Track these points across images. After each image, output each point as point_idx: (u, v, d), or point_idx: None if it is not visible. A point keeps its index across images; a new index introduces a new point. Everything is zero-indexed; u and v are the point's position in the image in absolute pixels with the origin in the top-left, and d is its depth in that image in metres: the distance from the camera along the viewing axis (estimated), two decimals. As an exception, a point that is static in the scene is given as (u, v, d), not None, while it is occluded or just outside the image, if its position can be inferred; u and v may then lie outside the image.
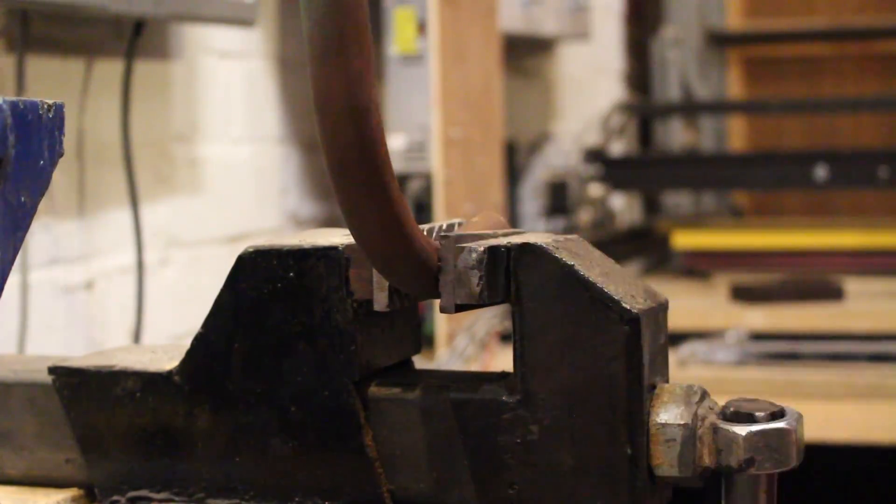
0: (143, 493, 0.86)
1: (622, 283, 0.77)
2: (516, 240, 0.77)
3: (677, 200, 3.51)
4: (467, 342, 2.15)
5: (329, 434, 0.81)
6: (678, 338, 2.24)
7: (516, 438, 0.77)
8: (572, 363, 0.76)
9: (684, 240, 2.87)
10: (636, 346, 0.74)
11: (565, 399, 0.76)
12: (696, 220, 3.29)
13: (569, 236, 0.80)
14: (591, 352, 0.75)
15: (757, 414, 0.74)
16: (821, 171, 2.71)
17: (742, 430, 0.74)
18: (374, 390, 0.81)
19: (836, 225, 2.98)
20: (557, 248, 0.76)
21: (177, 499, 0.85)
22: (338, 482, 0.81)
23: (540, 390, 0.77)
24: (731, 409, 0.75)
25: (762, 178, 2.86)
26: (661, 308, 0.79)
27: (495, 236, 0.79)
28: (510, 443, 0.78)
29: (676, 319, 2.58)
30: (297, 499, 0.82)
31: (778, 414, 0.75)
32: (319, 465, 0.81)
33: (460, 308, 0.75)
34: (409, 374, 0.85)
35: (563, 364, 0.76)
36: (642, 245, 3.08)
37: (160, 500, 0.85)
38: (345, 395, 0.80)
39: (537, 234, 0.81)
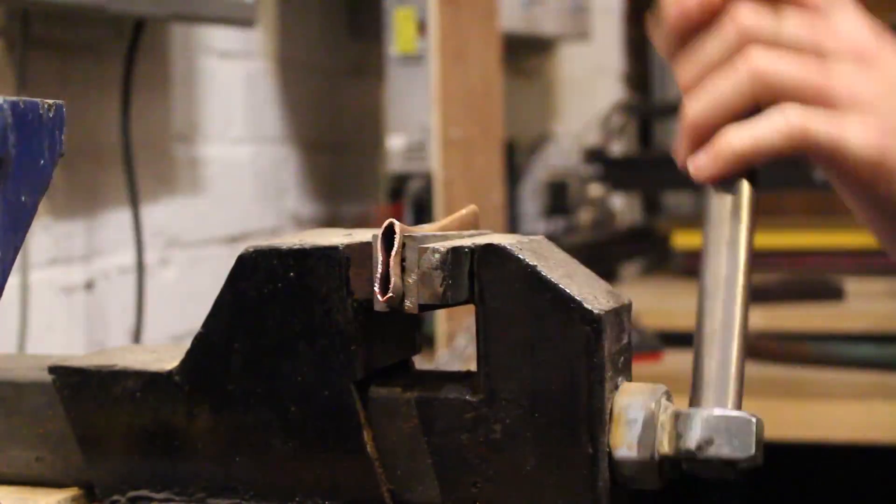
0: (144, 492, 0.86)
1: (585, 284, 0.78)
2: (480, 240, 0.78)
3: (677, 200, 3.51)
4: (467, 342, 2.15)
5: (329, 434, 0.81)
6: (678, 338, 2.24)
7: (479, 437, 0.78)
8: (535, 363, 0.76)
9: (684, 240, 2.87)
10: (598, 346, 0.75)
11: (527, 399, 0.77)
12: (696, 220, 3.29)
13: (533, 237, 0.80)
14: (554, 352, 0.76)
15: (717, 406, 0.75)
16: (821, 171, 2.70)
17: (701, 412, 0.75)
18: (374, 390, 0.81)
19: (836, 225, 2.98)
20: (521, 249, 0.77)
21: (177, 498, 0.85)
22: (338, 482, 0.81)
23: (503, 390, 0.77)
24: (692, 403, 0.76)
25: (761, 178, 2.86)
26: (625, 309, 0.79)
27: (460, 237, 0.79)
28: (473, 442, 0.78)
29: (676, 319, 2.58)
30: (297, 499, 0.82)
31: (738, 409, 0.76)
32: (319, 465, 0.81)
33: (424, 308, 0.76)
34: (409, 375, 0.85)
35: (525, 364, 0.76)
36: (642, 245, 3.08)
37: (160, 500, 0.85)
38: (345, 395, 0.80)
39: (502, 235, 0.81)
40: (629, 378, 0.79)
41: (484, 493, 0.78)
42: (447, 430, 0.79)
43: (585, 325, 0.75)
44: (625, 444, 0.76)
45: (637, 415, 0.76)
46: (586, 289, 0.77)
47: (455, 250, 0.76)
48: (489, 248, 0.77)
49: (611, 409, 0.76)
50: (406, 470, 0.80)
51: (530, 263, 0.76)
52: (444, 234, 0.80)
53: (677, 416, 0.76)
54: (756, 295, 2.41)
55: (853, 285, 2.50)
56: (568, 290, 0.76)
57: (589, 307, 0.75)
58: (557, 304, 0.76)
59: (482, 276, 0.77)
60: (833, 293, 2.44)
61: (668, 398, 0.78)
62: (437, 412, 0.79)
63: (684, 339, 2.27)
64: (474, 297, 0.78)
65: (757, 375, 2.08)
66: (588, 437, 0.76)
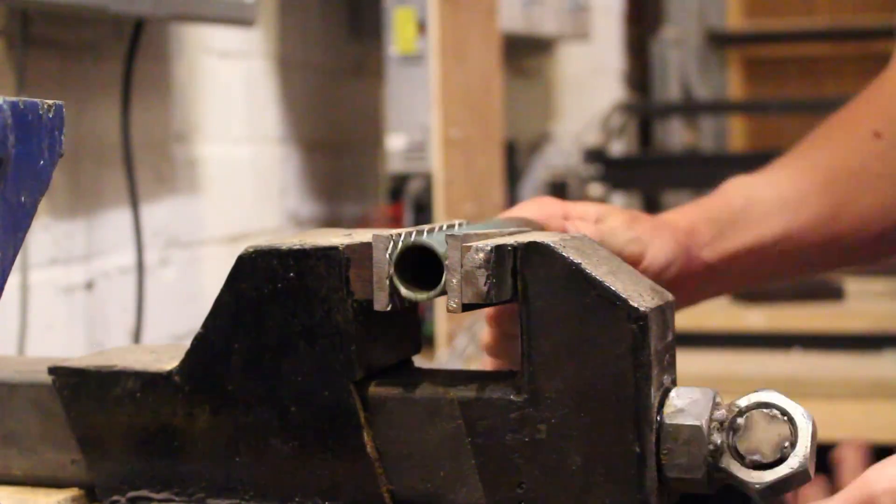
0: (143, 493, 0.86)
1: (629, 281, 0.77)
2: (523, 238, 0.77)
3: (677, 200, 3.51)
4: (467, 342, 2.15)
5: (329, 434, 0.81)
6: (678, 338, 2.24)
7: (524, 437, 0.77)
8: (580, 362, 0.76)
9: (684, 240, 2.86)
10: (644, 343, 0.74)
11: (573, 398, 0.76)
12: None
13: (576, 234, 0.80)
14: (599, 350, 0.75)
15: (770, 451, 0.75)
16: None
17: (756, 478, 0.75)
18: (374, 390, 0.81)
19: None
20: (564, 247, 0.76)
21: (177, 499, 0.85)
22: (338, 482, 0.81)
23: (547, 389, 0.77)
24: (745, 440, 0.75)
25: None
26: (669, 306, 0.79)
27: (501, 235, 0.79)
28: (518, 442, 0.78)
29: (676, 319, 2.58)
30: (297, 499, 0.82)
31: (792, 438, 0.75)
32: (319, 465, 0.81)
33: (467, 308, 0.75)
34: (409, 374, 0.85)
35: (570, 362, 0.76)
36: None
37: (160, 500, 0.85)
38: (345, 395, 0.80)
39: (544, 233, 0.81)
40: (674, 376, 0.79)
41: (529, 494, 0.78)
42: (491, 431, 0.78)
43: (631, 322, 0.74)
44: (683, 480, 0.76)
45: (691, 444, 0.76)
46: (631, 286, 0.76)
47: (498, 248, 0.76)
48: (532, 246, 0.76)
49: (659, 433, 0.76)
50: (449, 471, 0.80)
51: (575, 261, 0.76)
52: (485, 232, 0.79)
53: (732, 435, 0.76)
54: (756, 295, 2.42)
55: (853, 285, 2.50)
56: (613, 288, 0.75)
57: (634, 304, 0.74)
58: (602, 301, 0.75)
59: (526, 274, 0.76)
60: (833, 293, 2.44)
61: (717, 403, 0.77)
62: (481, 412, 0.78)
63: (684, 339, 2.28)
64: (517, 295, 0.77)
65: (757, 375, 2.08)
66: (635, 435, 0.75)
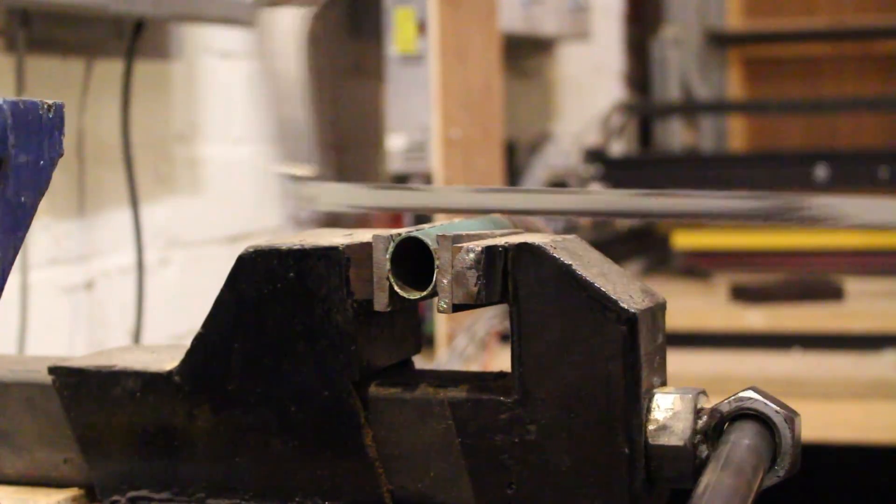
0: (143, 493, 0.86)
1: (620, 282, 0.77)
2: (514, 239, 0.77)
3: (677, 200, 3.50)
4: (467, 342, 2.15)
5: (329, 434, 0.81)
6: (678, 338, 2.24)
7: (514, 438, 0.77)
8: (570, 363, 0.76)
9: (684, 240, 2.87)
10: (633, 345, 0.75)
11: (563, 399, 0.76)
12: (695, 221, 3.29)
13: (567, 236, 0.80)
14: (589, 351, 0.75)
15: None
16: (821, 171, 2.71)
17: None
18: (374, 390, 0.81)
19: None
20: (555, 248, 0.76)
21: (177, 499, 0.85)
22: (338, 482, 0.81)
23: (538, 390, 0.77)
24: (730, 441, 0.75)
25: (762, 178, 2.87)
26: (659, 308, 0.79)
27: (493, 236, 0.79)
28: (508, 442, 0.78)
29: (676, 320, 2.58)
30: (297, 499, 0.82)
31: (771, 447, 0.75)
32: (319, 465, 0.81)
33: (458, 308, 0.75)
34: (409, 374, 0.85)
35: (560, 364, 0.76)
36: (642, 245, 3.08)
37: (160, 500, 0.85)
38: (345, 395, 0.80)
39: (535, 234, 0.81)
40: (664, 377, 0.79)
41: (519, 494, 0.78)
42: (481, 432, 0.78)
43: (621, 324, 0.74)
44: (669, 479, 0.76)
45: (679, 442, 0.76)
46: (621, 288, 0.76)
47: (489, 249, 0.76)
48: (523, 247, 0.76)
49: (646, 451, 0.76)
50: (440, 471, 0.80)
51: (566, 262, 0.76)
52: (477, 233, 0.79)
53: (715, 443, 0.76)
54: (756, 295, 2.42)
55: (853, 285, 2.50)
56: (603, 289, 0.75)
57: (625, 306, 0.75)
58: (593, 303, 0.75)
59: (517, 275, 0.76)
60: (833, 293, 2.44)
61: (700, 410, 0.77)
62: (471, 413, 0.78)
63: (684, 339, 2.28)
64: (508, 296, 0.77)
65: (757, 375, 2.08)
66: (624, 436, 0.75)
